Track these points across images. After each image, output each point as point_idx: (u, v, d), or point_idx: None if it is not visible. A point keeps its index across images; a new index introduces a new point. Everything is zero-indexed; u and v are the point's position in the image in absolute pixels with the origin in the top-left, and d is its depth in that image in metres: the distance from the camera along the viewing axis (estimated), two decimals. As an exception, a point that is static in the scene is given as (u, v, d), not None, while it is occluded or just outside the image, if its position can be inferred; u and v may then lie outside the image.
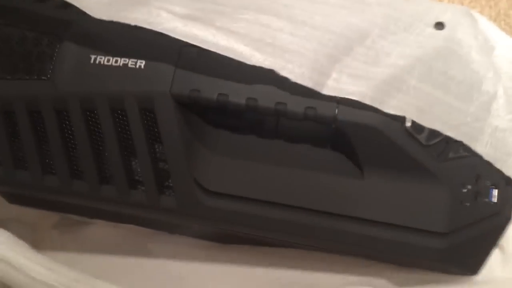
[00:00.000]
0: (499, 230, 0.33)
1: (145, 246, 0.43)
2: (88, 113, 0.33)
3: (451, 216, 0.31)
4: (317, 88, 0.29)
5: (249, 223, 0.33)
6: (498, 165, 0.31)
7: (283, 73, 0.29)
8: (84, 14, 0.34)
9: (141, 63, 0.33)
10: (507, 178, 0.33)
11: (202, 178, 0.33)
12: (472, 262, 0.33)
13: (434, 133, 0.32)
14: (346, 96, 0.29)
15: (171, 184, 0.33)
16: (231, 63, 0.32)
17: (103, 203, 0.35)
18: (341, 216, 0.32)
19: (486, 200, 0.32)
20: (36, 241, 0.44)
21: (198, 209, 0.33)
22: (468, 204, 0.32)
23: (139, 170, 0.34)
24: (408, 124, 0.31)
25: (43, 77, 0.34)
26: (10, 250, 0.32)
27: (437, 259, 0.31)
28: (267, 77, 0.31)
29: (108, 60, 0.33)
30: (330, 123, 0.31)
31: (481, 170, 0.32)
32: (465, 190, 0.32)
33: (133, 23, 0.31)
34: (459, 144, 0.32)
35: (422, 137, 0.32)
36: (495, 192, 0.32)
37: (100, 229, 0.44)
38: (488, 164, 0.33)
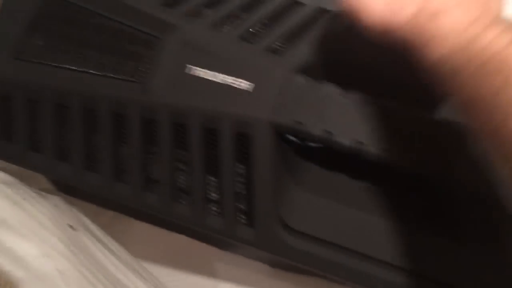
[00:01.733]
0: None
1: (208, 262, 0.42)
2: (176, 126, 0.31)
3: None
4: None
5: (328, 268, 0.31)
6: None
7: None
8: (190, 19, 0.32)
9: (243, 84, 0.30)
10: None
11: (286, 214, 0.31)
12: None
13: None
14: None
15: (252, 215, 0.31)
16: (340, 99, 0.30)
17: (173, 219, 0.33)
18: (430, 281, 0.30)
19: None
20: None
21: (277, 246, 0.31)
22: None
23: (216, 190, 0.32)
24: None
25: (132, 79, 0.32)
26: None
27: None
28: (378, 120, 0.29)
29: (207, 74, 0.31)
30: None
31: None
32: None
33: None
34: None
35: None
36: None
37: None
38: None
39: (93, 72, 0.33)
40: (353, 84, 0.30)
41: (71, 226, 0.34)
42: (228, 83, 0.30)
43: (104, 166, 0.33)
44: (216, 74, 0.31)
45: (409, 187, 0.32)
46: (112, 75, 0.32)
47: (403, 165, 0.29)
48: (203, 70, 0.31)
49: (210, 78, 0.31)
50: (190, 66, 0.31)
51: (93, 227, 0.39)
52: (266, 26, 0.33)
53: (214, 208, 0.32)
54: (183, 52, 0.31)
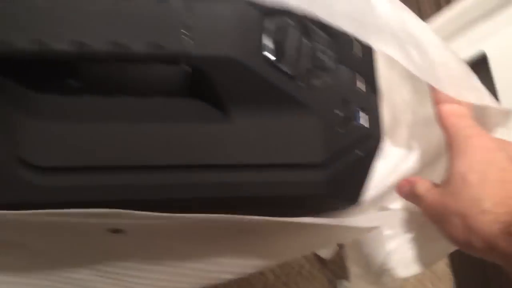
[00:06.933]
0: (373, 153, 0.32)
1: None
2: None
3: (327, 145, 0.29)
4: None
5: (101, 196, 0.26)
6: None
7: None
8: None
9: None
10: (374, 100, 0.33)
11: (27, 153, 0.25)
12: (352, 190, 0.31)
13: (295, 62, 0.29)
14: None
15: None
16: (46, 6, 0.25)
17: None
18: (212, 166, 0.27)
19: (357, 123, 0.31)
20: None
21: (29, 194, 0.25)
22: (341, 130, 0.30)
23: None
24: (268, 53, 0.28)
25: None
26: None
27: (320, 193, 0.29)
28: (97, 15, 0.25)
29: None
30: (182, 61, 0.26)
31: (348, 95, 0.31)
32: (335, 116, 0.30)
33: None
34: (322, 71, 0.31)
35: (283, 67, 0.29)
36: (364, 115, 0.31)
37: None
38: (355, 89, 0.32)
39: None
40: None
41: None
42: None
43: None
44: None
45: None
46: None
47: (138, 56, 0.25)
48: None
49: None
50: None
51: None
52: None
53: None
54: None
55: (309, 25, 0.31)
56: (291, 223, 0.27)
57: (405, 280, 0.35)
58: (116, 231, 0.27)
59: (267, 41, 0.28)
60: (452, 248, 0.31)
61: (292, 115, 0.28)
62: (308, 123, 0.29)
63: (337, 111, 0.30)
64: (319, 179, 0.28)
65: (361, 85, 0.32)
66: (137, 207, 0.27)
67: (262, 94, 0.28)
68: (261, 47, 0.28)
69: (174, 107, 0.29)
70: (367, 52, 0.34)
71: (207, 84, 0.27)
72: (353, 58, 0.33)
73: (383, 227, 0.33)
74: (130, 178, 0.27)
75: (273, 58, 0.28)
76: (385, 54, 0.29)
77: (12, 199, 0.25)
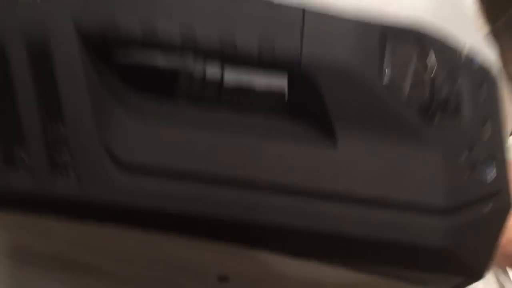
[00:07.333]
0: (502, 215, 0.26)
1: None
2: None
3: (448, 189, 0.24)
4: None
5: (184, 203, 0.23)
6: None
7: None
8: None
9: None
10: (502, 152, 0.27)
11: (116, 146, 0.23)
12: (478, 257, 0.25)
13: (416, 93, 0.26)
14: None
15: (70, 157, 0.23)
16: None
17: None
18: (310, 192, 0.23)
19: (485, 173, 0.26)
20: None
21: (110, 189, 0.23)
22: (465, 176, 0.25)
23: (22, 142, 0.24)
24: (387, 77, 0.25)
25: None
26: None
27: (438, 244, 0.23)
28: (209, 6, 0.24)
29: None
30: (293, 65, 0.24)
31: (473, 142, 0.26)
32: (458, 160, 0.25)
33: None
34: (444, 111, 0.27)
35: (404, 94, 0.25)
36: (494, 164, 0.26)
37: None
38: (480, 137, 0.27)
39: None
40: None
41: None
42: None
43: None
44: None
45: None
46: None
47: (248, 54, 0.23)
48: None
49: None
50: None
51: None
52: None
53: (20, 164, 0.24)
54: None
55: (432, 60, 0.27)
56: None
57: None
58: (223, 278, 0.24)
59: (388, 65, 0.25)
60: None
61: (408, 147, 0.24)
62: (426, 159, 0.24)
63: (459, 155, 0.25)
64: (439, 227, 0.23)
65: (487, 134, 0.27)
66: (221, 228, 0.23)
67: (377, 118, 0.24)
68: (381, 69, 0.25)
69: (274, 124, 0.26)
70: (493, 99, 0.29)
71: (315, 98, 0.24)
72: (478, 104, 0.28)
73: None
74: (215, 193, 0.23)
75: (393, 82, 0.25)
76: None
77: (95, 193, 0.23)
